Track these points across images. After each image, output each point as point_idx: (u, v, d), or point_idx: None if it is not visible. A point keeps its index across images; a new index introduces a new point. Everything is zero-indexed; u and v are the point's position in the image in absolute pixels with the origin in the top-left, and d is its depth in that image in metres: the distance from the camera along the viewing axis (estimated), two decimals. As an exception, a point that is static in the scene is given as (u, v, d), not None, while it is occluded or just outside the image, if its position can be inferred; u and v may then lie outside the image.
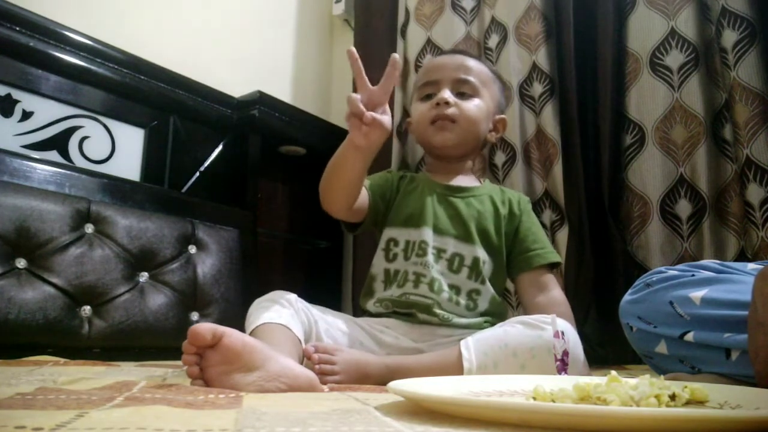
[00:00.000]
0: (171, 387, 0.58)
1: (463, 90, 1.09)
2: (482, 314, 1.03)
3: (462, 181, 1.13)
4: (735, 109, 1.25)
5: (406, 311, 1.01)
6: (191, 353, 0.63)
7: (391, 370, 0.83)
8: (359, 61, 0.83)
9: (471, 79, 1.10)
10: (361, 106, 0.82)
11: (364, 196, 1.03)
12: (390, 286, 1.04)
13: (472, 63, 1.13)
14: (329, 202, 0.99)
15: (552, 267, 1.08)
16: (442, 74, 1.10)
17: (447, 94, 1.07)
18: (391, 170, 1.18)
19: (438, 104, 1.07)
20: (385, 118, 0.85)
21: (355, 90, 0.86)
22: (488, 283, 1.04)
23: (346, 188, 0.96)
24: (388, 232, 1.08)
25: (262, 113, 1.65)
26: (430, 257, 1.02)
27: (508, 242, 1.08)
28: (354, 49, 0.83)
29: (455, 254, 1.04)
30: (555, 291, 1.04)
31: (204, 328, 0.62)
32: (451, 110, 1.06)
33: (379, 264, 1.07)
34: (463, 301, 1.01)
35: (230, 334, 0.63)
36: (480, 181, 1.16)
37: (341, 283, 1.91)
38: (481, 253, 1.04)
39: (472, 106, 1.08)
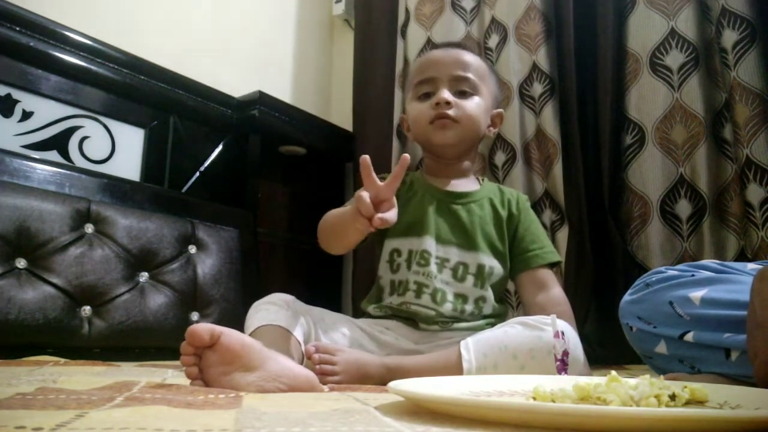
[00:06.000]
0: (171, 387, 0.58)
1: (462, 88, 1.05)
2: (484, 317, 1.02)
3: (461, 184, 1.10)
4: (735, 109, 1.25)
5: (406, 317, 1.01)
6: (190, 354, 0.62)
7: (391, 371, 0.83)
8: (371, 167, 0.83)
9: (470, 75, 1.05)
10: (371, 208, 0.82)
11: None
12: (392, 294, 1.03)
13: (470, 58, 1.08)
14: (326, 249, 1.02)
15: (552, 266, 1.07)
16: (438, 71, 1.05)
17: (446, 94, 1.02)
18: (385, 175, 1.16)
19: (438, 104, 1.02)
20: (391, 215, 0.85)
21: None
22: (491, 289, 1.03)
23: (345, 247, 1.00)
24: (390, 243, 1.06)
25: (262, 113, 1.65)
26: (433, 267, 1.01)
27: (509, 243, 1.07)
28: (367, 158, 0.84)
29: (459, 263, 1.02)
30: (555, 290, 1.03)
31: (202, 328, 0.61)
32: (452, 111, 1.03)
33: (385, 276, 1.06)
34: (469, 308, 1.01)
35: (228, 334, 0.62)
36: (479, 182, 1.14)
37: (341, 283, 1.91)
38: (486, 260, 1.03)
39: (473, 104, 1.05)
